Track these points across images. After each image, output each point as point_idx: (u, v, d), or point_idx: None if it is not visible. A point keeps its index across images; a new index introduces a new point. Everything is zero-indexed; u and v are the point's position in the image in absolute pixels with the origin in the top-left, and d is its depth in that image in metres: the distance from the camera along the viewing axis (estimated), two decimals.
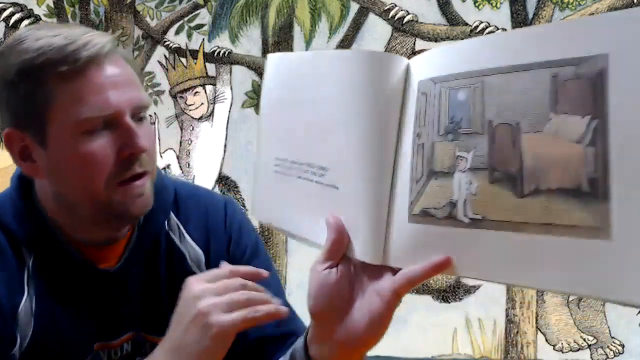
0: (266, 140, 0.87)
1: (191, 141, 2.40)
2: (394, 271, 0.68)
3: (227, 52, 2.38)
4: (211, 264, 0.97)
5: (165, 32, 2.41)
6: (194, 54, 2.40)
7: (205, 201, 1.04)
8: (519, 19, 2.26)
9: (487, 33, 2.25)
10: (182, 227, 1.00)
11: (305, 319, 0.82)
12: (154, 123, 2.37)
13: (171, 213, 1.00)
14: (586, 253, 0.50)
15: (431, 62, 0.64)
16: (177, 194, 1.02)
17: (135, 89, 0.87)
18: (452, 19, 2.29)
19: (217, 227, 1.02)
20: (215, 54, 2.38)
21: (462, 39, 2.26)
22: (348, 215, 0.70)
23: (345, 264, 0.72)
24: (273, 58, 0.87)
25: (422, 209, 0.63)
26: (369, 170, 0.67)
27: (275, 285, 0.96)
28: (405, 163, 0.65)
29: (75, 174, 0.85)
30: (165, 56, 2.41)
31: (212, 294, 0.77)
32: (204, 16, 2.39)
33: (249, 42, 2.38)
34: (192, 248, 0.99)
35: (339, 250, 0.71)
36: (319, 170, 0.73)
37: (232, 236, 1.02)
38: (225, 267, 0.82)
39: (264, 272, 0.84)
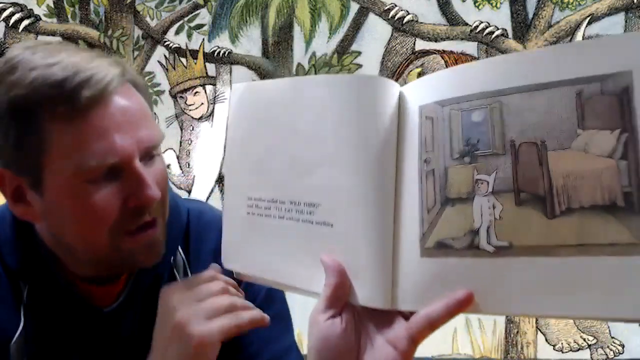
0: (234, 180, 0.78)
1: (191, 141, 2.37)
2: (406, 316, 0.61)
3: (227, 52, 2.35)
4: None
5: (165, 32, 2.38)
6: (194, 54, 2.37)
7: (217, 235, 0.88)
8: (519, 19, 2.24)
9: (487, 33, 2.23)
10: (187, 266, 0.90)
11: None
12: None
13: (179, 249, 0.90)
14: (627, 272, 0.49)
15: (433, 86, 0.61)
16: (189, 224, 0.91)
17: (145, 126, 0.76)
18: (452, 19, 2.27)
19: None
20: (215, 54, 2.36)
21: (462, 39, 2.25)
22: (347, 256, 0.63)
23: (349, 311, 0.63)
24: (237, 89, 0.77)
25: (437, 240, 0.58)
26: (368, 203, 0.62)
27: (284, 341, 0.88)
28: (409, 192, 0.61)
29: (75, 224, 0.75)
30: (165, 56, 2.38)
31: (190, 302, 0.72)
32: (204, 16, 2.36)
33: (249, 42, 2.35)
34: None
35: (341, 296, 0.62)
36: (307, 208, 0.67)
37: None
38: (209, 271, 0.75)
39: (266, 318, 0.75)
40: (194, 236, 0.91)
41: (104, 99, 0.72)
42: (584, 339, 2.23)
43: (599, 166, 0.50)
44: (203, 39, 2.37)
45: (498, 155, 0.56)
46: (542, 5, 2.24)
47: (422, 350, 0.62)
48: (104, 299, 0.86)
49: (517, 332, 2.25)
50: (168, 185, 0.82)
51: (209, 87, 2.37)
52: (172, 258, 0.89)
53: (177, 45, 2.37)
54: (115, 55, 2.32)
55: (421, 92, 0.62)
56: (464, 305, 0.55)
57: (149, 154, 0.76)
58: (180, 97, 2.37)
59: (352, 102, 0.63)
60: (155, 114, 2.34)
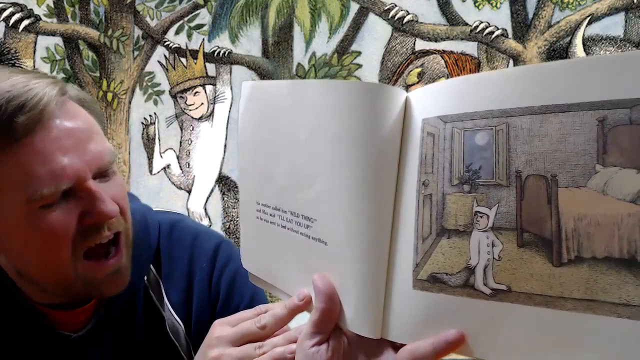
0: (245, 182, 0.71)
1: (191, 141, 2.29)
2: (396, 347, 0.54)
3: (227, 52, 2.27)
4: (193, 333, 0.82)
5: (165, 32, 2.29)
6: (194, 54, 2.28)
7: (192, 251, 0.85)
8: (519, 19, 2.17)
9: (487, 33, 2.15)
10: (162, 287, 0.82)
11: None
12: (154, 123, 2.27)
13: (151, 267, 0.83)
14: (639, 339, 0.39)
15: (438, 97, 0.51)
16: (160, 239, 0.84)
17: (94, 144, 0.70)
18: (452, 19, 2.19)
19: (202, 286, 0.84)
20: (215, 54, 2.27)
21: (462, 39, 2.17)
22: (339, 277, 0.55)
23: (336, 338, 0.58)
24: (246, 87, 0.70)
25: (430, 273, 0.50)
26: (364, 223, 0.53)
27: None
28: (407, 216, 0.52)
29: (34, 252, 0.69)
30: (165, 56, 2.30)
31: (225, 343, 0.65)
32: (204, 16, 2.28)
33: (249, 42, 2.27)
34: (170, 315, 0.82)
35: (329, 322, 0.56)
36: (304, 221, 0.59)
37: (220, 294, 0.84)
38: (258, 307, 0.68)
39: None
40: (165, 253, 0.85)
41: (43, 123, 0.66)
42: None
43: (619, 212, 0.40)
44: (203, 39, 2.29)
45: (501, 186, 0.46)
46: (542, 5, 2.16)
47: None
48: (72, 325, 0.79)
49: None
50: (128, 205, 0.75)
51: (209, 87, 2.29)
52: (145, 278, 0.82)
53: (177, 45, 2.29)
54: (116, 54, 2.25)
55: (426, 102, 0.52)
56: (453, 346, 0.49)
57: (103, 172, 0.70)
58: (180, 97, 2.29)
59: (352, 112, 0.53)
60: (155, 114, 2.27)
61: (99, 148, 0.70)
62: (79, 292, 0.73)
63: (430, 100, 0.52)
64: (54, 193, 0.66)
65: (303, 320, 0.61)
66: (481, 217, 0.47)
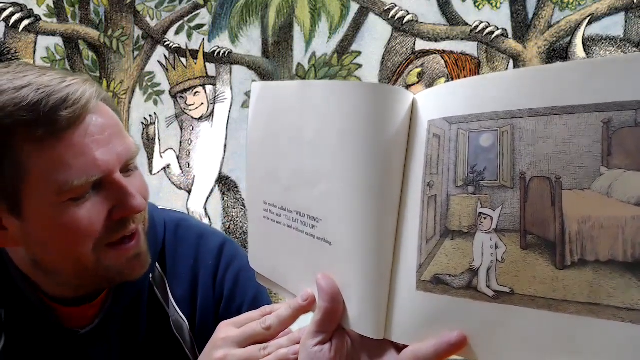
0: (253, 181, 0.71)
1: (191, 141, 2.29)
2: (399, 347, 0.54)
3: (227, 52, 2.26)
4: (197, 330, 0.83)
5: (165, 32, 2.29)
6: (194, 54, 2.28)
7: (197, 249, 0.86)
8: (519, 19, 2.16)
9: (487, 33, 2.15)
10: (167, 284, 0.84)
11: None
12: (154, 123, 2.27)
13: (156, 265, 0.84)
14: None
15: (444, 98, 0.51)
16: (165, 237, 0.86)
17: (122, 141, 0.72)
18: (452, 19, 2.19)
19: (206, 283, 0.85)
20: (215, 54, 2.26)
21: (462, 39, 2.17)
22: (343, 277, 0.55)
23: (339, 338, 0.58)
24: (256, 88, 0.70)
25: (434, 275, 0.50)
26: (368, 224, 0.53)
27: None
28: (412, 217, 0.52)
29: (59, 243, 0.70)
30: (165, 56, 2.29)
31: (230, 344, 0.65)
32: (204, 16, 2.28)
33: (249, 42, 2.27)
34: (174, 312, 0.83)
35: (332, 321, 0.56)
36: (309, 221, 0.59)
37: (224, 292, 0.85)
38: (263, 308, 0.68)
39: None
40: (171, 251, 0.86)
41: (82, 118, 0.68)
42: None
43: (623, 214, 0.39)
44: (203, 39, 2.28)
45: (505, 188, 0.46)
46: (542, 5, 2.15)
47: None
48: (79, 321, 0.80)
49: None
50: (149, 197, 0.78)
51: (209, 87, 2.28)
52: (151, 275, 0.84)
53: (177, 45, 2.29)
54: (116, 54, 2.25)
55: (433, 104, 0.52)
56: (455, 348, 0.49)
57: (127, 167, 0.73)
58: (180, 97, 2.29)
59: (359, 114, 0.53)
60: (155, 114, 2.27)
61: (127, 142, 0.73)
62: (98, 280, 0.74)
63: (436, 102, 0.51)
64: (85, 185, 0.68)
65: (307, 321, 0.61)
66: (485, 218, 0.46)
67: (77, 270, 0.73)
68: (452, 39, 2.19)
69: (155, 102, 2.29)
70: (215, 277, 0.86)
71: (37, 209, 0.69)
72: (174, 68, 2.29)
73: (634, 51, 2.02)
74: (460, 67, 2.16)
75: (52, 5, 2.27)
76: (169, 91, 2.30)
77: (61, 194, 0.68)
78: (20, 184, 0.68)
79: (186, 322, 0.84)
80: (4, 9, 2.24)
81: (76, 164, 0.67)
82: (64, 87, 0.67)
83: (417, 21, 2.20)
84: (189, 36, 2.29)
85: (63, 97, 0.67)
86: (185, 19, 2.28)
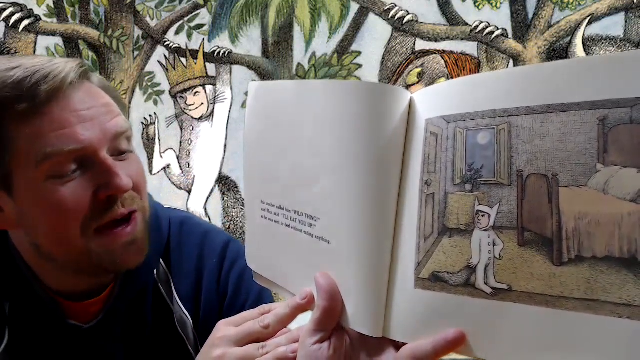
0: (250, 181, 0.71)
1: (191, 141, 2.29)
2: (397, 345, 0.53)
3: (227, 52, 2.26)
4: (200, 327, 0.83)
5: (165, 32, 2.30)
6: (194, 54, 2.28)
7: (202, 247, 0.86)
8: (519, 19, 2.16)
9: (487, 33, 2.15)
10: (171, 281, 0.84)
11: None
12: (154, 123, 2.27)
13: (161, 261, 0.84)
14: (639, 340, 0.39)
15: (441, 97, 0.51)
16: (170, 234, 0.86)
17: (110, 117, 0.72)
18: (452, 19, 2.19)
19: (210, 281, 0.85)
20: (215, 54, 2.27)
21: (462, 39, 2.17)
22: (341, 275, 0.55)
23: (338, 336, 0.57)
24: (253, 87, 0.70)
25: (432, 272, 0.50)
26: (366, 222, 0.53)
27: None
28: (410, 215, 0.52)
29: (47, 223, 0.71)
30: (165, 56, 2.30)
31: (228, 343, 0.65)
32: (204, 16, 2.28)
33: (249, 42, 2.27)
34: (179, 309, 0.83)
35: (331, 320, 0.56)
36: (308, 220, 0.59)
37: (228, 290, 0.86)
38: (261, 307, 0.68)
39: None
40: (175, 249, 0.86)
41: (64, 93, 0.70)
42: None
43: (620, 211, 0.40)
44: (203, 39, 2.29)
45: (503, 185, 0.46)
46: (542, 5, 2.15)
47: None
48: (83, 316, 0.81)
49: None
50: (146, 184, 0.78)
51: (209, 87, 2.28)
52: (155, 272, 0.84)
53: (177, 45, 2.29)
54: (115, 54, 2.25)
55: (430, 102, 0.52)
56: (453, 345, 0.49)
57: (119, 148, 0.73)
58: (180, 97, 2.29)
59: (357, 113, 0.53)
60: (155, 114, 2.27)
61: (116, 119, 0.73)
62: (93, 269, 0.74)
63: (433, 101, 0.51)
64: (60, 154, 0.68)
65: (306, 320, 0.61)
66: (482, 216, 0.46)
67: (71, 255, 0.73)
68: (452, 39, 2.19)
69: (155, 102, 2.29)
70: (220, 274, 0.86)
71: (25, 187, 0.70)
72: (174, 68, 2.29)
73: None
74: (460, 67, 2.16)
75: (52, 5, 2.27)
76: (169, 91, 2.31)
77: (39, 165, 0.68)
78: (9, 161, 0.70)
79: (190, 319, 0.84)
80: (4, 9, 2.24)
81: (52, 135, 0.68)
82: (49, 66, 0.69)
83: (417, 21, 2.20)
84: (189, 36, 2.29)
85: (45, 73, 0.68)
86: (185, 19, 2.28)
